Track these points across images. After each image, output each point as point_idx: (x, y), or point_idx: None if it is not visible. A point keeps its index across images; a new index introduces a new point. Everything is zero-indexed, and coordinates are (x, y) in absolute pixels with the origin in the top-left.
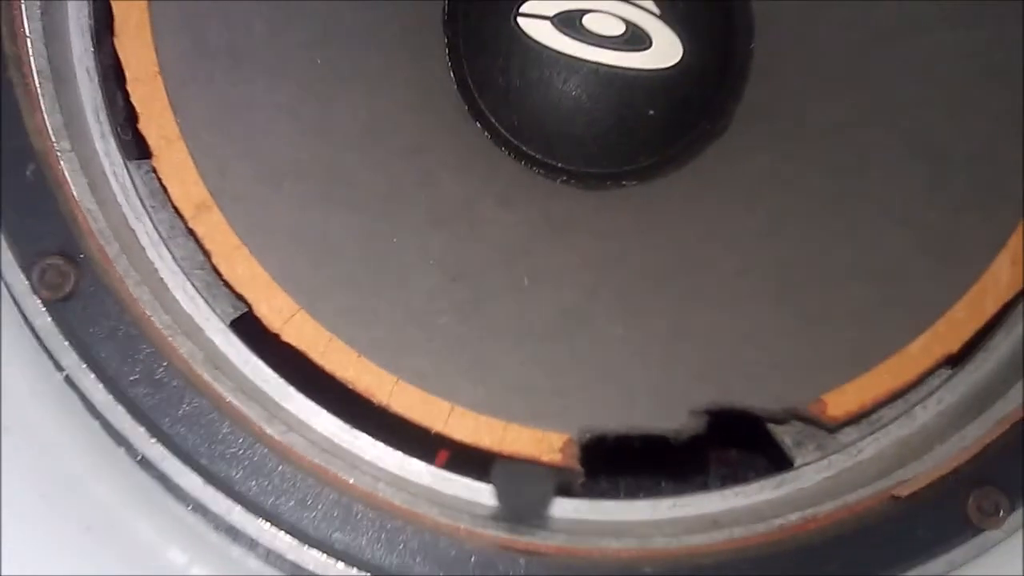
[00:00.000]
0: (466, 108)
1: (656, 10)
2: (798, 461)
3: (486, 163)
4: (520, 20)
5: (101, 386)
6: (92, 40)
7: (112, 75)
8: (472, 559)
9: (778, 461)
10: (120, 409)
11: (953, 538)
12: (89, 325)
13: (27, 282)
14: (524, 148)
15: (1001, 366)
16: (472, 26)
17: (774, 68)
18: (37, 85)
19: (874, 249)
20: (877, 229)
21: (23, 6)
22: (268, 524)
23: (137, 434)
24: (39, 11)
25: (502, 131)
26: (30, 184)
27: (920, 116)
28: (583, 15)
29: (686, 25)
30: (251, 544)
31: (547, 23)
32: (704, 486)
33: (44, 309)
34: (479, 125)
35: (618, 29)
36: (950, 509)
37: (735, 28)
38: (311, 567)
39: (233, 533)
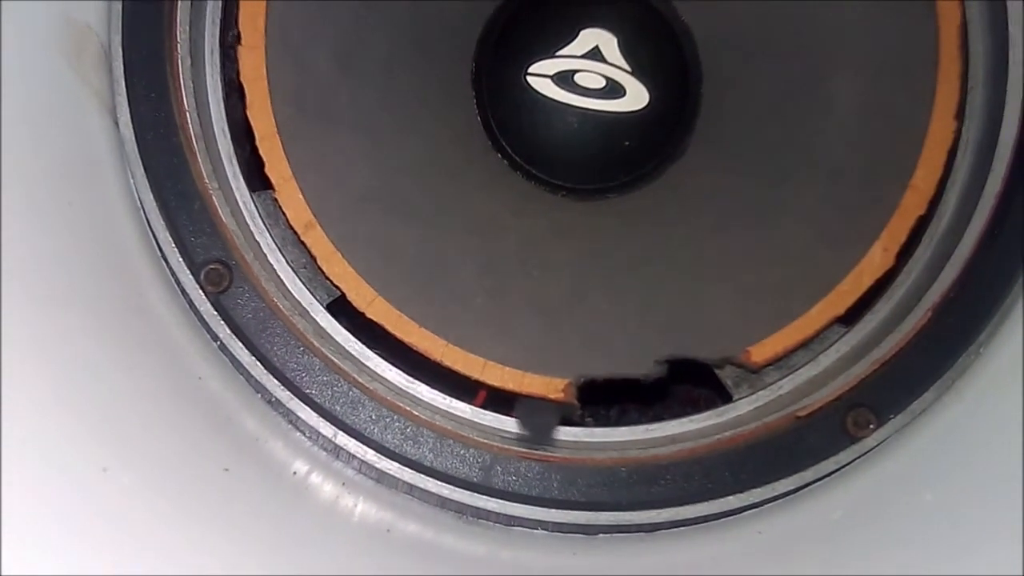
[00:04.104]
0: (490, 144)
1: (628, 68)
2: (736, 396)
3: (505, 184)
4: (528, 78)
5: (246, 350)
6: (224, 106)
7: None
8: (502, 465)
9: (722, 396)
10: (259, 366)
11: (836, 445)
12: (238, 309)
13: (195, 281)
14: (533, 171)
15: (881, 324)
16: (493, 83)
17: (718, 108)
18: (194, 143)
19: (787, 241)
20: (790, 226)
21: (182, 86)
22: (360, 443)
23: (271, 383)
24: (193, 88)
25: (517, 159)
26: (197, 214)
27: (823, 144)
28: (575, 74)
29: (651, 78)
30: (348, 458)
31: (548, 80)
32: (667, 415)
33: (206, 299)
34: (500, 156)
35: (600, 83)
36: (834, 424)
37: (688, 79)
38: (390, 473)
39: (336, 451)
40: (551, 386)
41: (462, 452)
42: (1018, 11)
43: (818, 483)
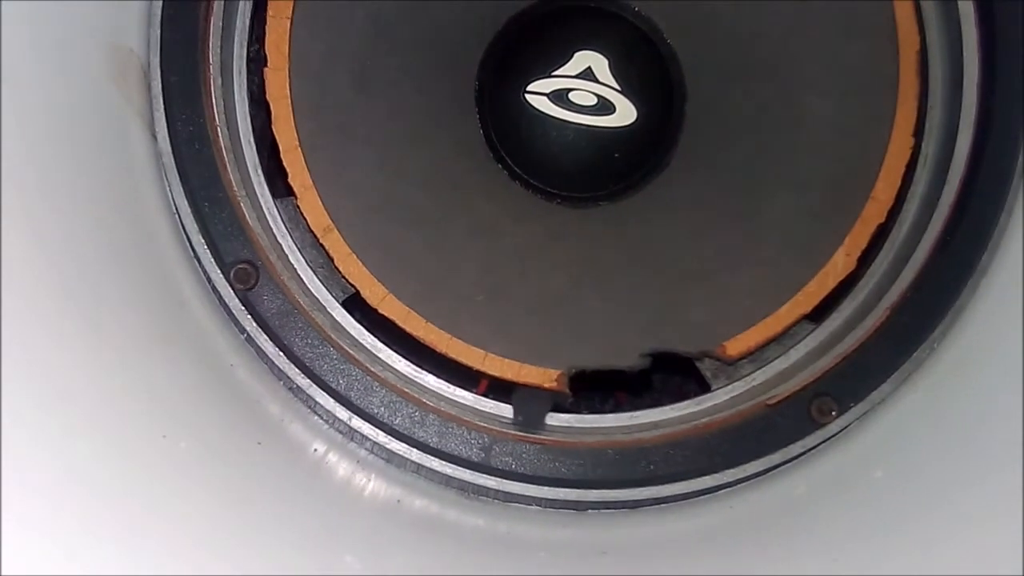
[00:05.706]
0: (491, 156)
1: (618, 87)
2: (713, 387)
3: (505, 192)
4: (527, 96)
5: (270, 342)
6: (251, 122)
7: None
8: (500, 447)
9: (701, 386)
10: (281, 355)
11: (802, 431)
12: (263, 305)
13: (225, 279)
14: (531, 181)
15: (845, 322)
16: (494, 101)
17: (699, 124)
18: (224, 154)
19: (759, 246)
20: (761, 233)
21: (213, 103)
22: (373, 426)
23: (292, 371)
24: (223, 105)
25: (516, 170)
26: (227, 219)
27: (792, 158)
28: (569, 92)
29: (639, 97)
30: (361, 439)
31: (545, 98)
32: (650, 403)
33: (235, 295)
34: (500, 167)
35: (592, 101)
36: (800, 412)
37: (672, 97)
38: (399, 453)
39: (351, 433)
40: (545, 376)
41: (464, 435)
42: (972, 37)
43: (785, 465)
